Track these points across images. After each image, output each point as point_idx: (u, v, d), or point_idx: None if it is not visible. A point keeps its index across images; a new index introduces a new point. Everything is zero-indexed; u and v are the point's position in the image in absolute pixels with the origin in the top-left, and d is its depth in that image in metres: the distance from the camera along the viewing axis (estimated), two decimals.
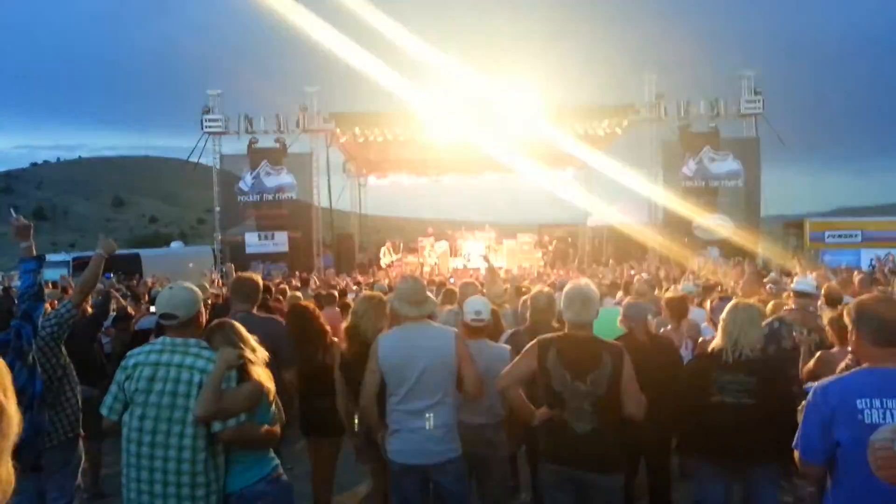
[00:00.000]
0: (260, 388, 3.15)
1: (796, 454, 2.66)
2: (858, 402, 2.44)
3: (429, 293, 4.01)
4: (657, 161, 22.83)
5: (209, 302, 7.25)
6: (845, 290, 7.36)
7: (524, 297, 6.01)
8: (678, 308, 5.82)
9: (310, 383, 4.53)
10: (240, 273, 5.73)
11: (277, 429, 3.31)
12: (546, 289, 5.28)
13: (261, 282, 4.93)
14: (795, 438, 2.66)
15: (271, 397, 3.29)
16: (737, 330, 3.75)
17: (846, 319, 2.72)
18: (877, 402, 2.43)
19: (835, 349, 4.38)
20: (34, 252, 3.84)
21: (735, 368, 3.71)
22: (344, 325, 4.57)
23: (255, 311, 4.62)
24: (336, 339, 4.71)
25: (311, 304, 5.30)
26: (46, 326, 3.85)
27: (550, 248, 25.35)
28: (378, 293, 4.81)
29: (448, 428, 3.69)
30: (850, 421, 2.43)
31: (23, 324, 3.65)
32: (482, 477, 4.18)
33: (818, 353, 3.98)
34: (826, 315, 5.15)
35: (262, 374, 3.20)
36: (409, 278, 4.06)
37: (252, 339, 3.30)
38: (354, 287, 12.78)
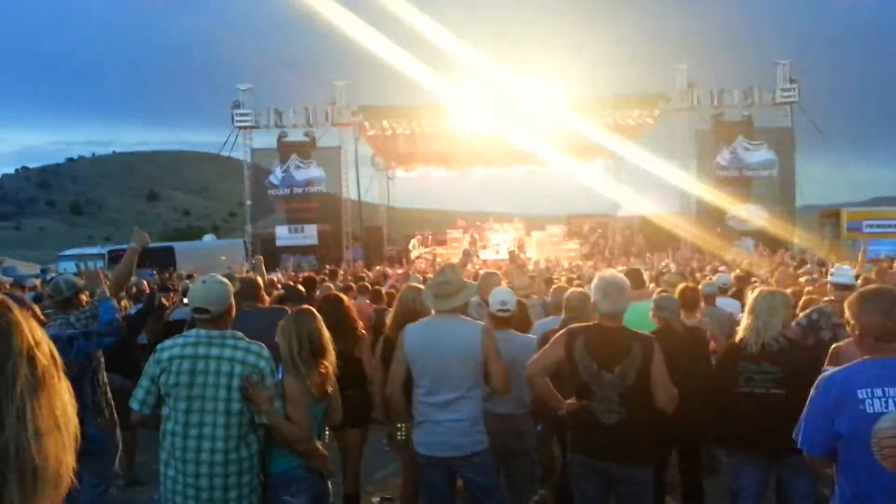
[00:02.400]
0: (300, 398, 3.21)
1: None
2: (860, 392, 2.44)
3: (468, 283, 3.99)
4: (690, 151, 22.51)
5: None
6: (884, 279, 7.18)
7: (555, 287, 5.98)
8: (690, 299, 5.72)
9: (341, 371, 4.57)
10: (240, 276, 6.00)
11: (311, 447, 3.32)
12: (581, 288, 5.23)
13: (259, 281, 5.27)
14: (795, 429, 2.66)
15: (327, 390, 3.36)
16: (759, 320, 3.73)
17: (846, 311, 2.69)
18: (878, 392, 2.42)
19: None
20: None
21: (760, 359, 3.69)
22: (389, 312, 4.64)
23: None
24: (364, 331, 4.75)
25: (342, 295, 5.33)
26: (93, 336, 4.09)
27: (591, 239, 25.14)
28: (416, 284, 4.85)
29: (474, 421, 3.68)
30: (851, 411, 2.43)
31: (86, 341, 3.97)
32: (510, 466, 4.18)
33: (833, 346, 3.91)
34: None
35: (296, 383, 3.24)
36: (445, 269, 4.04)
37: (321, 328, 3.42)
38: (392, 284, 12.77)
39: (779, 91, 21.80)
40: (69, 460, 0.95)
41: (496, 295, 4.37)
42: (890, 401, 2.40)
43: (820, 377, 2.67)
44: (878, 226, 23.39)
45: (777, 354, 3.67)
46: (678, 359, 3.75)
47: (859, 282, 6.18)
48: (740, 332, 3.86)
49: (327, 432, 3.73)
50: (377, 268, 17.46)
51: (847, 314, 2.71)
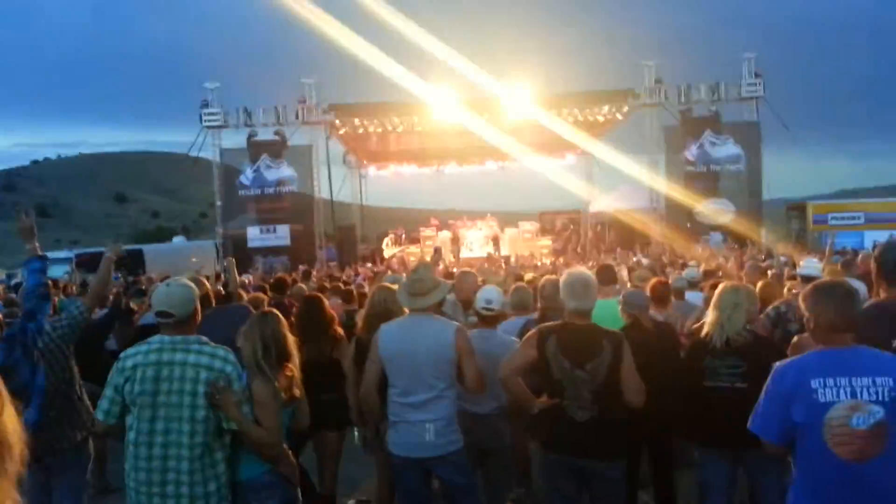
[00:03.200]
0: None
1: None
2: (812, 381, 2.52)
3: (441, 282, 3.99)
4: (659, 146, 22.76)
5: (213, 294, 7.30)
6: (849, 272, 7.32)
7: (516, 286, 5.99)
8: (660, 294, 5.78)
9: (316, 376, 4.53)
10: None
11: (280, 451, 3.28)
12: (553, 277, 5.27)
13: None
14: (750, 419, 2.73)
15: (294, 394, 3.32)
16: (723, 315, 3.77)
17: (801, 304, 2.78)
18: (830, 381, 2.50)
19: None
20: (39, 252, 3.85)
21: (724, 353, 3.72)
22: (360, 312, 4.59)
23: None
24: (342, 333, 4.72)
25: (320, 296, 5.28)
26: (58, 328, 3.85)
27: (563, 235, 25.28)
28: (389, 283, 4.82)
29: (448, 420, 3.68)
30: (805, 400, 2.52)
31: (27, 321, 3.68)
32: (487, 466, 4.19)
33: (794, 339, 3.98)
34: None
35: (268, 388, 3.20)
36: (418, 268, 4.04)
37: (285, 331, 3.35)
38: (362, 279, 12.71)
39: (745, 86, 22.12)
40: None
41: (483, 293, 4.41)
42: (841, 390, 2.49)
43: (775, 366, 2.73)
44: (844, 218, 23.90)
45: (741, 348, 3.71)
46: (647, 354, 3.79)
47: (825, 274, 6.31)
48: (706, 327, 3.89)
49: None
50: (348, 268, 17.39)
51: (801, 306, 2.79)
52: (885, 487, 2.48)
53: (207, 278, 8.58)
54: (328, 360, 4.56)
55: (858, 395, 2.46)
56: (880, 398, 2.44)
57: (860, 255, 9.34)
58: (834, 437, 2.34)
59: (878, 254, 3.37)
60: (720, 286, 4.02)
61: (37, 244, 3.85)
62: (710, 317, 3.89)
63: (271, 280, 9.21)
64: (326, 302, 4.96)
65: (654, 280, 6.22)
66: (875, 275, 3.38)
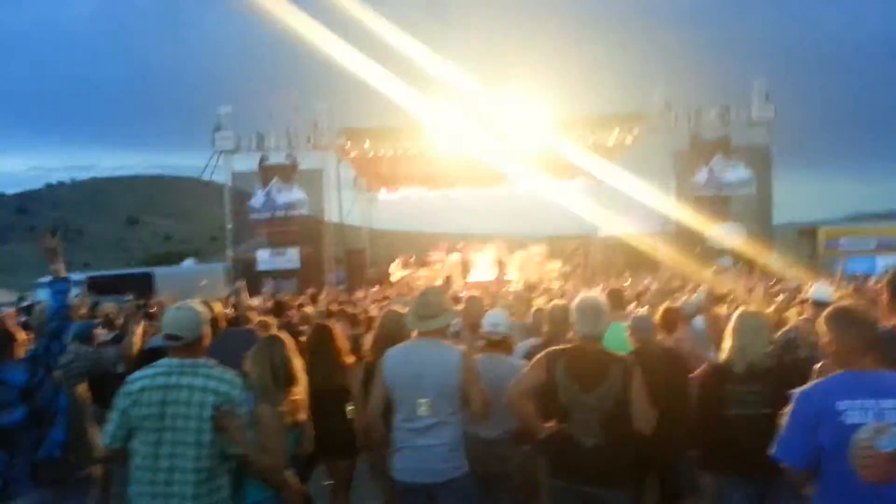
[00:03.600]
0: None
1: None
2: (839, 403, 2.52)
3: (448, 307, 3.98)
4: (668, 170, 22.75)
5: (223, 318, 7.31)
6: (861, 297, 7.25)
7: (536, 309, 5.97)
8: (669, 320, 5.73)
9: (326, 404, 4.51)
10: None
11: (284, 477, 3.25)
12: (561, 301, 5.25)
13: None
14: (774, 445, 2.70)
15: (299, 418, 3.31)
16: (743, 340, 3.72)
17: (821, 328, 2.77)
18: (857, 403, 2.50)
19: None
20: (62, 273, 3.90)
21: (747, 379, 3.67)
22: (366, 336, 4.58)
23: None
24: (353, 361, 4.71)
25: (331, 325, 5.28)
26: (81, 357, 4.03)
27: (572, 260, 25.21)
28: (398, 307, 4.82)
29: (453, 446, 3.65)
30: (831, 423, 2.50)
31: (51, 341, 3.75)
32: (493, 492, 4.14)
33: (818, 365, 3.93)
34: None
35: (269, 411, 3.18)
36: (427, 291, 4.03)
37: (293, 356, 3.33)
38: (369, 303, 12.67)
39: (755, 110, 22.14)
40: None
41: (489, 317, 4.41)
42: (868, 412, 2.47)
43: (798, 390, 2.71)
44: (855, 243, 23.74)
45: (764, 374, 3.67)
46: (654, 379, 3.75)
47: (837, 299, 6.24)
48: (724, 354, 3.84)
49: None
50: (357, 293, 17.38)
51: (821, 330, 2.77)
52: None
53: (217, 301, 8.59)
54: (338, 388, 4.54)
55: (885, 417, 2.45)
56: None
57: (871, 280, 9.27)
58: (860, 459, 2.32)
59: (891, 278, 3.34)
60: (738, 311, 3.98)
61: (61, 265, 3.89)
62: (728, 342, 3.83)
63: (270, 303, 9.17)
64: (338, 330, 4.96)
65: (664, 306, 6.18)
66: (888, 300, 3.34)
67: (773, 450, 2.71)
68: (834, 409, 2.50)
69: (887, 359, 2.95)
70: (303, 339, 4.99)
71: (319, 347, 4.68)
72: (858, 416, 2.47)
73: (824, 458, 2.53)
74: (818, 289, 5.97)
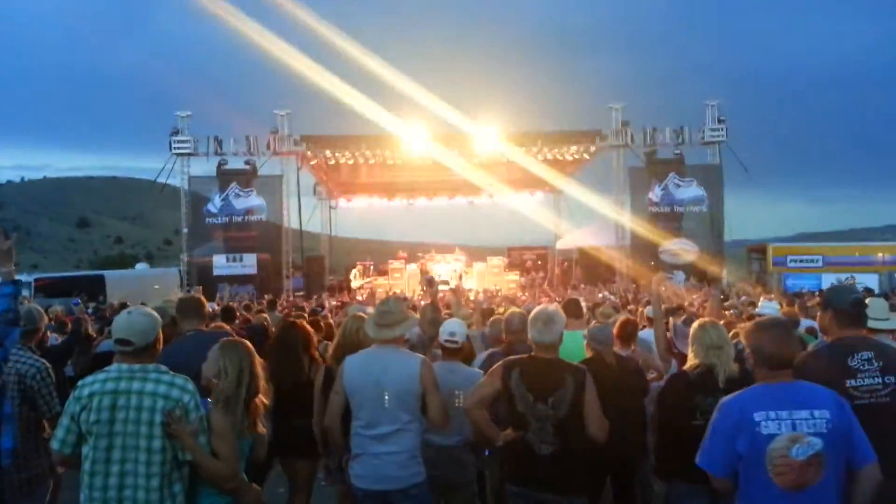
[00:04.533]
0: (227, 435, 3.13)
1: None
2: (756, 414, 2.63)
3: (409, 315, 4.02)
4: (624, 186, 23.24)
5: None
6: (807, 314, 7.52)
7: (493, 318, 6.05)
8: (628, 332, 5.85)
9: (290, 402, 4.49)
10: (181, 296, 5.72)
11: (238, 483, 3.23)
12: (519, 309, 5.33)
13: (204, 301, 4.97)
14: (697, 454, 2.81)
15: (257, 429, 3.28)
16: (714, 352, 3.72)
17: (743, 340, 2.92)
18: (772, 414, 2.62)
19: None
20: (13, 276, 3.77)
21: (714, 390, 3.61)
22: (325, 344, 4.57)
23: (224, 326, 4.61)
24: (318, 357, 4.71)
25: (299, 321, 5.25)
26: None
27: (531, 271, 25.42)
28: (361, 313, 4.82)
29: (411, 453, 3.67)
30: (749, 433, 2.62)
31: None
32: (450, 498, 4.18)
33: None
34: None
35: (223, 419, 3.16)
36: (389, 300, 4.06)
37: (257, 361, 3.30)
38: (326, 312, 12.62)
39: (708, 130, 22.80)
40: None
41: (446, 326, 4.42)
42: (782, 423, 2.60)
43: (720, 401, 2.83)
44: (802, 260, 24.56)
45: (730, 384, 3.59)
46: (609, 389, 3.83)
47: (782, 314, 6.48)
48: (693, 362, 3.80)
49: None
50: (315, 296, 17.27)
51: (744, 343, 2.89)
52: None
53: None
54: (304, 385, 4.53)
55: (798, 427, 2.58)
56: (818, 430, 2.56)
57: (814, 297, 9.61)
58: (775, 467, 2.48)
59: (828, 298, 3.47)
60: (700, 322, 3.96)
61: (13, 268, 3.77)
62: (693, 353, 3.82)
63: (220, 309, 8.98)
64: (307, 328, 4.94)
65: (623, 318, 6.30)
66: (827, 318, 3.46)
67: (697, 459, 2.82)
68: (751, 420, 2.62)
69: (824, 370, 3.09)
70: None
71: (287, 344, 4.67)
72: (773, 426, 2.59)
73: (743, 466, 2.65)
74: (765, 305, 6.18)
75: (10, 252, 3.76)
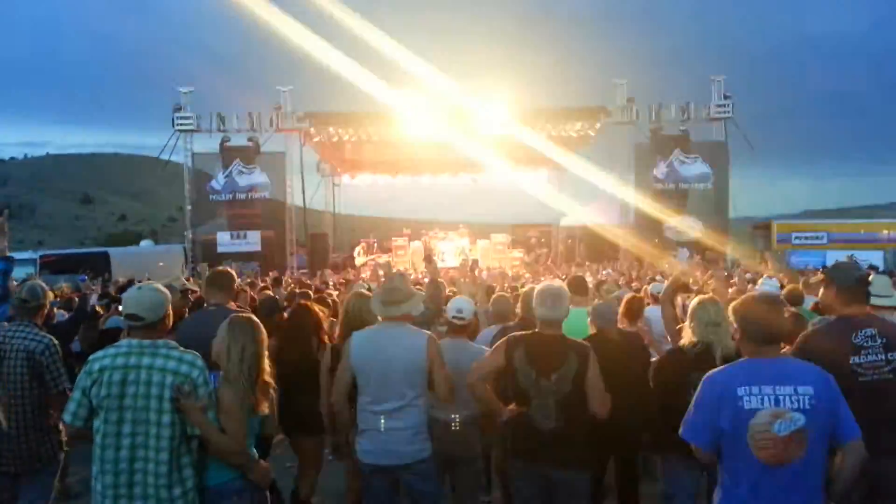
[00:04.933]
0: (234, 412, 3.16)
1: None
2: (739, 389, 2.65)
3: (416, 292, 4.04)
4: (629, 163, 23.12)
5: (190, 296, 7.21)
6: (810, 291, 7.51)
7: (496, 296, 6.07)
8: (634, 309, 5.88)
9: (300, 380, 4.54)
10: (216, 267, 5.71)
11: (246, 459, 3.26)
12: (534, 286, 5.35)
13: (234, 274, 4.91)
14: (681, 427, 2.83)
15: (259, 406, 3.29)
16: (712, 328, 3.74)
17: (731, 316, 2.91)
18: (755, 389, 2.63)
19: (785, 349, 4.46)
20: (6, 252, 3.79)
21: (711, 365, 3.67)
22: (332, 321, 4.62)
23: (231, 304, 4.57)
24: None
25: (312, 304, 5.28)
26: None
27: (535, 248, 25.41)
28: (365, 291, 4.85)
29: (418, 429, 3.71)
30: (732, 407, 2.64)
31: None
32: (456, 474, 4.23)
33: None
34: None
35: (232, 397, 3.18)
36: (394, 277, 4.07)
37: (263, 340, 3.31)
38: (333, 288, 12.66)
39: (713, 107, 22.61)
40: None
41: (454, 303, 4.43)
42: (765, 398, 2.61)
43: (705, 376, 2.84)
44: (807, 238, 24.51)
45: (727, 361, 3.67)
46: (612, 365, 3.85)
47: (784, 292, 6.49)
48: (689, 338, 3.81)
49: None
50: (318, 272, 17.32)
51: (731, 318, 2.90)
52: (806, 490, 2.60)
53: (188, 280, 8.50)
54: (311, 365, 4.57)
55: (781, 403, 2.59)
56: (801, 406, 2.57)
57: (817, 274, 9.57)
58: (757, 442, 2.51)
59: (831, 275, 3.48)
60: (698, 299, 3.96)
61: (6, 244, 3.79)
62: (691, 329, 3.83)
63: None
64: (317, 310, 4.97)
65: (629, 295, 6.33)
66: (830, 295, 3.47)
67: (680, 431, 2.84)
68: (734, 395, 2.64)
69: (826, 353, 3.11)
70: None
71: (298, 325, 4.72)
72: (756, 401, 2.61)
73: (724, 440, 2.68)
74: (766, 283, 6.17)
75: (4, 228, 3.78)
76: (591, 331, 4.63)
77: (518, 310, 5.21)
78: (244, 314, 3.55)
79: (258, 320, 3.42)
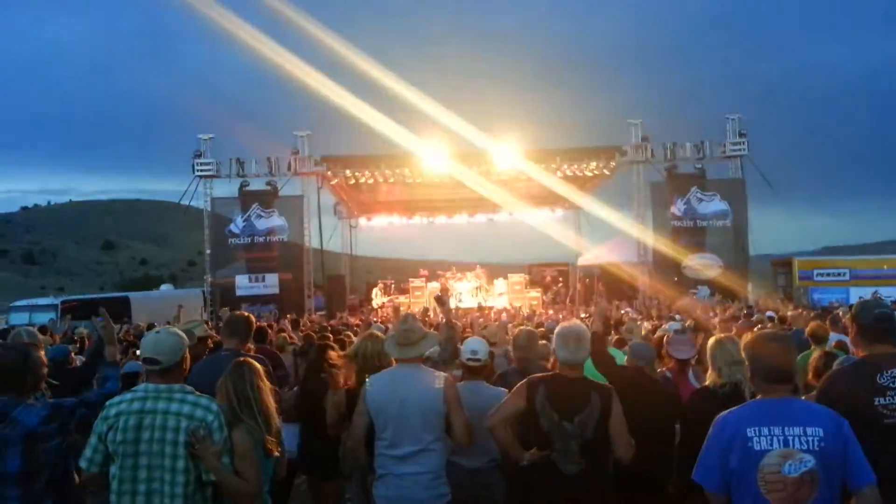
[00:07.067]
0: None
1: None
2: (748, 430, 2.61)
3: (430, 333, 4.01)
4: (646, 201, 23.07)
5: (210, 342, 7.22)
6: (833, 328, 7.38)
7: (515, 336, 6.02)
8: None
9: (319, 424, 4.50)
10: (234, 312, 5.72)
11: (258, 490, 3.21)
12: (527, 326, 5.30)
13: (253, 319, 4.90)
14: (694, 469, 2.76)
15: (272, 449, 3.26)
16: (738, 366, 3.62)
17: (742, 353, 2.89)
18: (764, 430, 2.59)
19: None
20: (115, 357, 3.86)
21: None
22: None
23: (246, 347, 4.55)
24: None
25: (328, 345, 5.28)
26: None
27: (553, 288, 25.29)
28: (378, 333, 4.83)
29: (436, 474, 3.65)
30: (741, 448, 2.60)
31: (82, 407, 3.36)
32: None
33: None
34: (815, 353, 5.15)
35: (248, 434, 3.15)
36: (407, 318, 4.04)
37: (265, 386, 3.30)
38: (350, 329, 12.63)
39: (729, 145, 22.61)
40: None
41: (468, 344, 4.39)
42: (775, 439, 2.57)
43: (717, 417, 2.79)
44: (829, 274, 24.15)
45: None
46: (646, 406, 3.76)
47: (808, 330, 6.38)
48: (714, 379, 3.75)
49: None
50: (338, 315, 17.32)
51: (743, 356, 2.86)
52: None
53: (207, 323, 8.52)
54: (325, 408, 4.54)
55: (790, 444, 2.54)
56: (811, 447, 2.53)
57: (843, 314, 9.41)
58: (767, 483, 2.48)
59: (854, 313, 3.41)
60: (717, 338, 3.90)
61: (116, 348, 3.86)
62: (716, 371, 3.75)
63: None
64: (333, 352, 4.95)
65: (659, 334, 6.27)
66: (853, 334, 3.41)
67: (693, 474, 2.77)
68: (744, 435, 2.60)
69: (851, 388, 3.02)
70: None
71: (316, 369, 4.72)
72: (765, 442, 2.57)
73: (734, 481, 2.63)
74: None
75: (114, 331, 3.85)
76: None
77: (510, 350, 5.11)
78: (247, 358, 3.52)
79: (260, 365, 3.42)
